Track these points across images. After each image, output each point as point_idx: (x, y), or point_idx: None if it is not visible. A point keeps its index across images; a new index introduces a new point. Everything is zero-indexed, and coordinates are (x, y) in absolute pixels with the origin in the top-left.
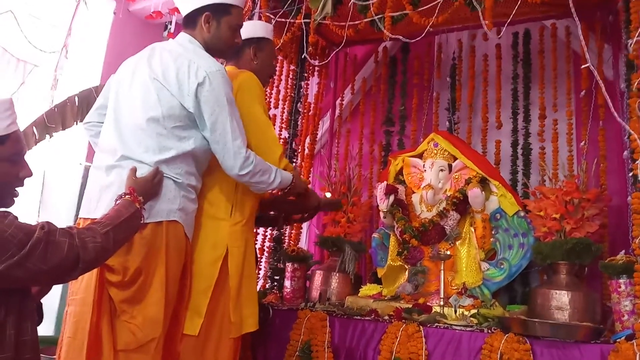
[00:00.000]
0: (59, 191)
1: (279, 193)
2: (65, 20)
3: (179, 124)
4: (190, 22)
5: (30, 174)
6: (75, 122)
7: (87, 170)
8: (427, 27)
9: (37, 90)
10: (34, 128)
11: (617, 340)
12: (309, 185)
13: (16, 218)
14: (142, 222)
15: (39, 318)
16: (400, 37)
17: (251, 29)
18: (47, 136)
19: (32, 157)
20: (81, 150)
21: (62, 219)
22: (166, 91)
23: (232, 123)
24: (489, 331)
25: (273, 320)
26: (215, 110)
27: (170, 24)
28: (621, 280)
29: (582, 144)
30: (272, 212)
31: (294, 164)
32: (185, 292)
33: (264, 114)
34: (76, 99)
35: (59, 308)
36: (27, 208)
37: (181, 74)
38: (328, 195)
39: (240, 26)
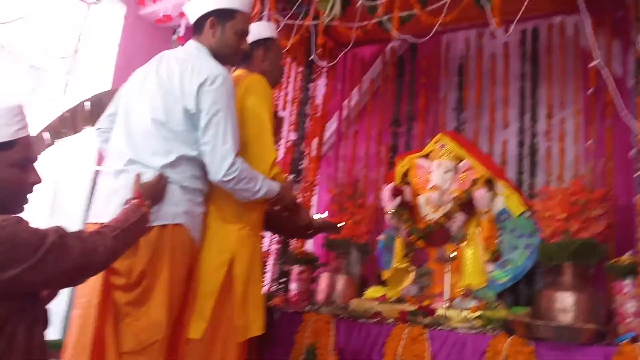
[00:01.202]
0: (70, 196)
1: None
2: (76, 25)
3: (183, 128)
4: (197, 28)
5: (39, 181)
6: (86, 127)
7: (97, 175)
8: (435, 26)
9: (49, 96)
10: (46, 133)
11: (621, 342)
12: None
13: (28, 223)
14: (148, 225)
15: (46, 323)
16: (408, 37)
17: (257, 30)
18: (59, 141)
19: (44, 162)
20: (92, 155)
21: (73, 224)
22: (171, 95)
23: (225, 126)
24: (493, 333)
25: (279, 324)
26: (212, 109)
27: (180, 28)
28: (625, 282)
29: (589, 143)
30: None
31: (300, 166)
32: (190, 295)
33: (268, 117)
34: (87, 103)
35: (67, 312)
36: (37, 213)
37: (185, 77)
38: (324, 215)
39: (246, 31)
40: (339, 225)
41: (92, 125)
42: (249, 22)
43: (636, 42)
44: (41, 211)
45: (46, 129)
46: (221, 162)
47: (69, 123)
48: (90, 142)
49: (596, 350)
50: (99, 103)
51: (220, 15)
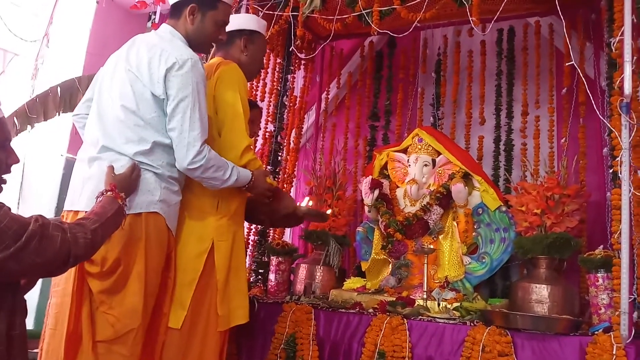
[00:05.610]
0: (40, 182)
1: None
2: (47, 8)
3: (154, 115)
4: (175, 11)
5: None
6: (57, 113)
7: (68, 161)
8: (415, 22)
9: (18, 80)
10: (15, 118)
11: (595, 332)
12: (288, 190)
13: (9, 209)
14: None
15: (25, 312)
16: (388, 32)
17: (244, 20)
18: (29, 127)
19: (13, 147)
20: (63, 141)
21: (43, 211)
22: (139, 82)
23: (193, 113)
24: (472, 324)
25: (258, 314)
26: (179, 95)
27: (155, 15)
28: (599, 275)
29: (562, 140)
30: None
31: (279, 157)
32: (169, 283)
33: (241, 104)
34: (58, 89)
35: (38, 302)
36: (6, 199)
37: (153, 62)
38: (310, 203)
39: (226, 23)
40: (327, 212)
41: (63, 112)
42: (229, 14)
43: (610, 43)
44: (10, 198)
45: (14, 115)
46: (187, 150)
47: (39, 108)
48: (62, 129)
49: (571, 340)
50: (70, 89)
51: (202, 3)
